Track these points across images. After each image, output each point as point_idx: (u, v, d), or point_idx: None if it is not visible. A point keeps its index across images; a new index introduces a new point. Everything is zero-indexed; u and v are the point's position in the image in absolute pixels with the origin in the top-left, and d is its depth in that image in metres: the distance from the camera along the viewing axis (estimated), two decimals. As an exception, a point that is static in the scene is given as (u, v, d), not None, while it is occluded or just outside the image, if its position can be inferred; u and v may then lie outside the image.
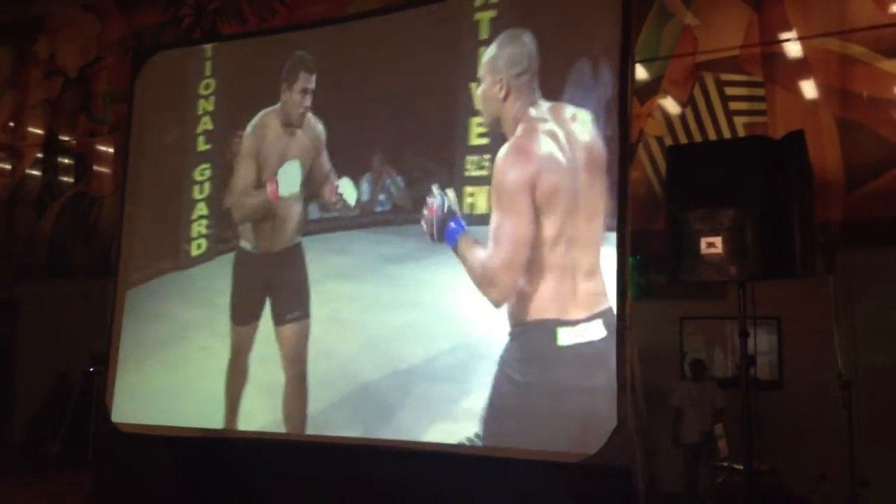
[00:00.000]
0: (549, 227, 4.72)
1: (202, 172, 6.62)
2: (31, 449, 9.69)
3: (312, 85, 6.07)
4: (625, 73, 5.08)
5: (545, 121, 4.88)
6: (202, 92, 6.78)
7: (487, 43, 5.36)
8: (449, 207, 4.89)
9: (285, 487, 5.63)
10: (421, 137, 5.73)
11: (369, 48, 6.15)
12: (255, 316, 6.09)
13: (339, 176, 5.94)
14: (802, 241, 4.36)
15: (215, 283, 6.35)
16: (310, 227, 6.07)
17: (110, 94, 10.86)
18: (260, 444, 5.82)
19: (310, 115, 6.11)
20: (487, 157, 5.30)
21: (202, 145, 6.68)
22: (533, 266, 4.77)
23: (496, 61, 5.00)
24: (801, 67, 7.43)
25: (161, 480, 6.05)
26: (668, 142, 7.64)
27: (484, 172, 5.31)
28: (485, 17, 5.56)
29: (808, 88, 7.40)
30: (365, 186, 5.86)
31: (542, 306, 4.80)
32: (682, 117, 7.79)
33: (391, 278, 5.66)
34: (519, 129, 4.85)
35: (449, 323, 5.39)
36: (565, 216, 4.77)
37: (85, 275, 9.92)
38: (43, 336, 10.32)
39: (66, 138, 11.45)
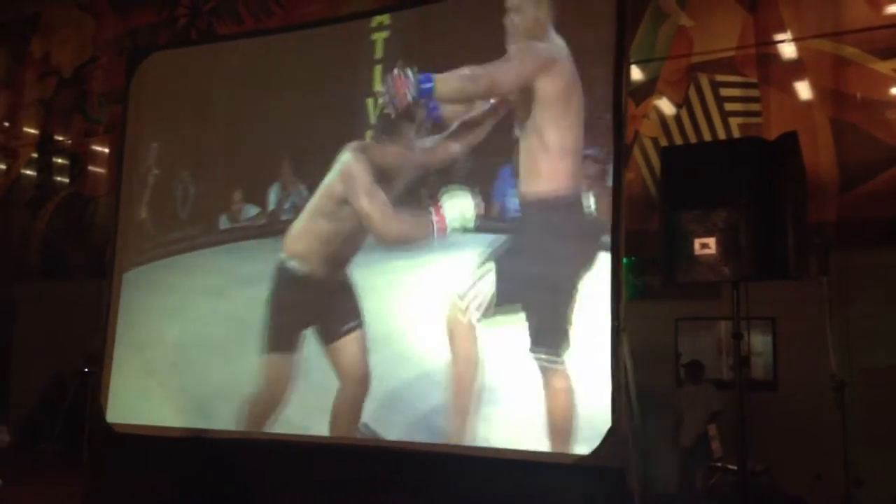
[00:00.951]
0: None
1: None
2: (26, 449, 9.67)
3: None
4: (619, 74, 5.10)
5: None
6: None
7: (381, 62, 5.86)
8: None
9: (280, 487, 5.63)
10: (323, 149, 5.83)
11: (281, 62, 6.40)
12: (297, 341, 5.74)
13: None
14: (796, 241, 4.38)
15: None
16: (221, 237, 6.29)
17: (105, 94, 10.85)
18: (256, 444, 5.81)
19: None
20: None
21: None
22: None
23: None
24: (796, 69, 7.45)
25: (156, 480, 6.04)
26: (663, 143, 7.66)
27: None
28: (380, 37, 5.95)
29: (803, 89, 7.42)
30: (272, 196, 6.06)
31: None
32: (678, 118, 7.81)
33: None
34: None
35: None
36: None
37: (80, 275, 9.91)
38: (38, 336, 10.30)
39: (61, 138, 11.44)
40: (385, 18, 5.97)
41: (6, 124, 11.98)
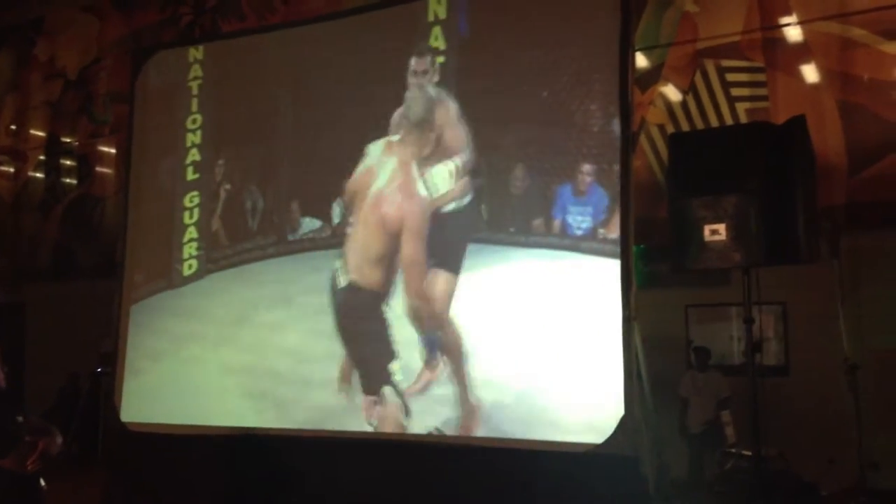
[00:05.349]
0: None
1: (191, 199, 6.90)
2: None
3: None
4: (625, 62, 5.08)
5: None
6: (189, 126, 7.02)
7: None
8: None
9: (294, 483, 5.65)
10: None
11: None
12: None
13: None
14: (806, 225, 4.37)
15: (207, 299, 6.67)
16: (291, 247, 6.47)
17: (110, 94, 10.86)
18: (269, 440, 5.84)
19: None
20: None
21: (191, 175, 6.96)
22: None
23: None
24: (802, 52, 7.40)
25: (172, 477, 6.08)
26: (670, 129, 7.61)
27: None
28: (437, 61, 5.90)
29: (810, 72, 7.37)
30: (337, 210, 6.17)
31: None
32: (684, 104, 7.77)
33: None
34: None
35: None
36: None
37: (90, 276, 9.95)
38: (50, 337, 10.35)
39: (68, 140, 11.47)
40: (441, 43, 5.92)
41: (13, 128, 12.02)
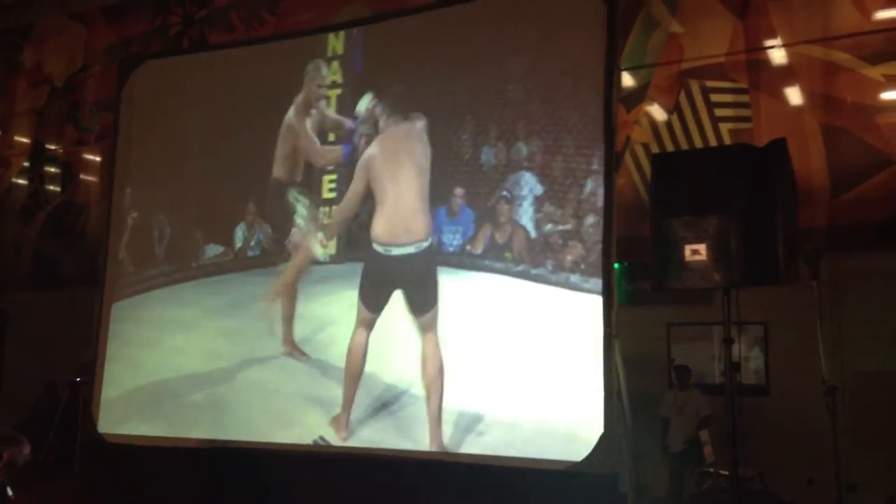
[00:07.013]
0: None
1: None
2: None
3: None
4: (609, 83, 5.12)
5: None
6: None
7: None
8: None
9: (266, 495, 5.62)
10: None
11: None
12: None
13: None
14: (786, 247, 4.40)
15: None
16: (195, 273, 6.57)
17: (97, 102, 10.83)
18: (242, 453, 5.81)
19: None
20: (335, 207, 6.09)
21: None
22: None
23: None
24: (786, 74, 7.47)
25: (146, 490, 6.02)
26: (655, 149, 7.66)
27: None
28: (333, 94, 6.21)
29: (793, 95, 7.45)
30: (239, 234, 6.39)
31: None
32: (669, 124, 7.82)
33: (260, 314, 6.14)
34: None
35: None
36: None
37: (72, 284, 9.88)
38: (30, 346, 10.25)
39: (53, 147, 11.41)
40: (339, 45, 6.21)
41: (-2, 133, 11.96)
